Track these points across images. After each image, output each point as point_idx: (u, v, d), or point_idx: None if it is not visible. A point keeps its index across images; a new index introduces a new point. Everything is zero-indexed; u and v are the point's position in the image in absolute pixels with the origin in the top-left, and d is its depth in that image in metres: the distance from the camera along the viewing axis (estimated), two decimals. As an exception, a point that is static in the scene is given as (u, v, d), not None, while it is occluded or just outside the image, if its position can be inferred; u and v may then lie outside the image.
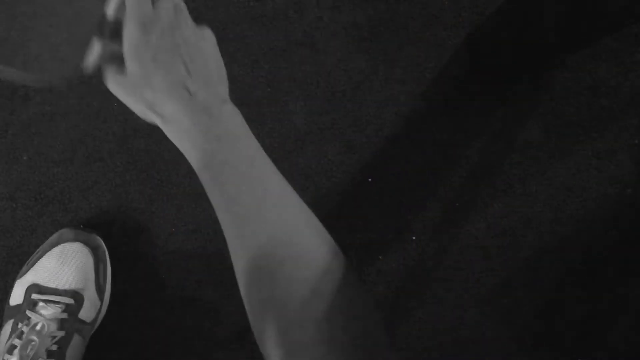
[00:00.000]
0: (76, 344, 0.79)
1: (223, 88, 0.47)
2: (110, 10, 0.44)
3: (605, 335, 0.99)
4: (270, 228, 0.41)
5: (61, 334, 0.77)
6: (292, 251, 0.41)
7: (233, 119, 0.45)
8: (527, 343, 0.98)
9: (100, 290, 0.83)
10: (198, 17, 0.93)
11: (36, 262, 0.82)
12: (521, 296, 0.97)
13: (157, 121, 0.45)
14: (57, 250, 0.81)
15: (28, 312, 0.77)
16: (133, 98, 0.45)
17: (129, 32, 0.43)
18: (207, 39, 0.47)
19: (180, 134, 0.44)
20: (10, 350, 0.76)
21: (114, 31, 0.45)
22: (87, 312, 0.81)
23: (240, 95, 0.92)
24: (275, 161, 0.45)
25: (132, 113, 0.46)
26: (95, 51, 0.44)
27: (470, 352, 0.97)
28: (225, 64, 0.47)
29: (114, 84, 0.46)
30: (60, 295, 0.79)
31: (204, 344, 0.92)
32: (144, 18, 0.43)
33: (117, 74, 0.45)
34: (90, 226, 0.88)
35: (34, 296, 0.78)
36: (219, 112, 0.44)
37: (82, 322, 0.80)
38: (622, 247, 1.00)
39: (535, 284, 0.98)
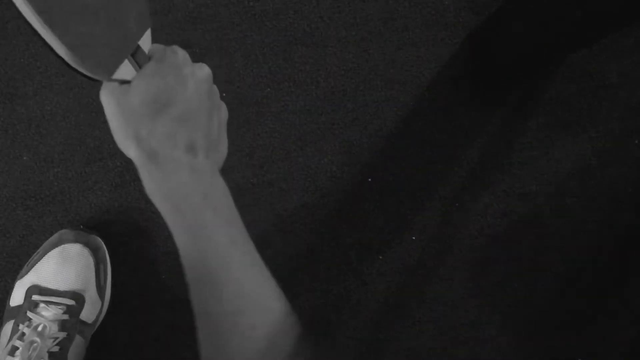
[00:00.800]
0: (78, 345, 0.79)
1: (220, 161, 0.48)
2: (144, 44, 0.44)
3: (605, 335, 0.99)
4: (231, 300, 0.43)
5: (63, 335, 0.77)
6: (246, 320, 0.42)
7: (224, 191, 0.46)
8: (527, 343, 0.98)
9: (100, 290, 0.83)
10: (198, 17, 0.93)
11: (36, 263, 0.82)
12: (521, 296, 0.97)
13: (140, 156, 0.43)
14: (57, 251, 0.81)
15: (29, 314, 0.77)
16: (125, 121, 0.43)
17: (164, 71, 0.43)
18: (225, 110, 0.48)
19: (165, 181, 0.43)
20: (12, 351, 0.76)
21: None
22: (88, 313, 0.81)
23: (240, 95, 0.92)
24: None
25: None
26: (124, 68, 0.43)
27: (470, 352, 0.97)
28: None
29: (113, 98, 0.43)
30: (61, 296, 0.79)
31: (204, 344, 0.92)
32: (183, 67, 0.44)
33: (122, 90, 0.43)
34: (90, 226, 0.88)
35: (35, 297, 0.78)
36: (210, 183, 0.45)
37: (84, 323, 0.80)
38: (623, 247, 1.00)
39: (535, 283, 0.98)
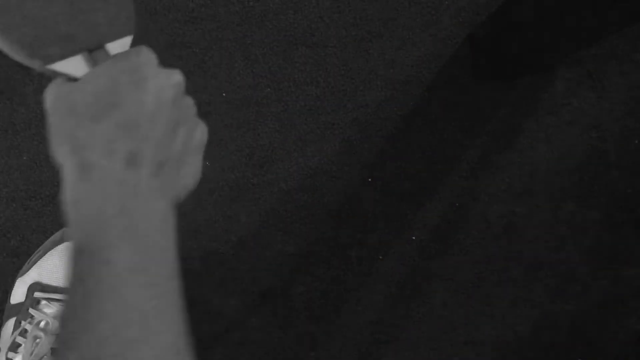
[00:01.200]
0: (79, 342, 0.79)
1: (180, 188, 0.39)
2: (114, 49, 0.40)
3: (604, 335, 0.99)
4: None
5: None
6: None
7: (158, 219, 0.37)
8: (527, 343, 0.98)
9: (102, 288, 0.83)
10: (198, 17, 0.93)
11: (38, 260, 0.82)
12: (521, 296, 0.97)
13: (68, 164, 0.37)
14: (60, 248, 0.81)
15: (31, 310, 0.77)
16: (61, 120, 0.38)
17: (118, 69, 0.37)
18: (202, 130, 0.40)
19: (85, 189, 0.35)
20: (14, 347, 0.76)
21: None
22: None
23: (240, 95, 0.92)
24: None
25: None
26: (75, 63, 0.39)
27: (470, 352, 0.97)
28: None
29: (54, 94, 0.38)
30: (63, 293, 0.79)
31: (202, 343, 0.92)
32: (148, 66, 0.38)
33: (67, 87, 0.38)
34: (90, 226, 0.88)
35: (37, 294, 0.78)
36: (141, 204, 0.35)
37: None
38: (622, 247, 1.00)
39: (535, 284, 0.98)
